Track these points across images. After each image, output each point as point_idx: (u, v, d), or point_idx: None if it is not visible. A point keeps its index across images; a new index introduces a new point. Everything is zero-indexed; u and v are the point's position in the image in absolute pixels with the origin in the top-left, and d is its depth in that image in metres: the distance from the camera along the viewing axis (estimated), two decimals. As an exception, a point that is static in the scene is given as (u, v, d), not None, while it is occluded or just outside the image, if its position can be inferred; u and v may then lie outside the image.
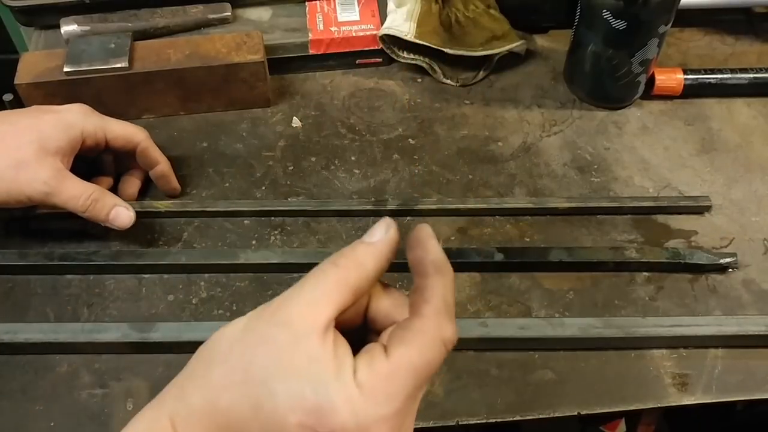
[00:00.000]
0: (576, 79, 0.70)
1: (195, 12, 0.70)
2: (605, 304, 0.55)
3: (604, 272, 0.57)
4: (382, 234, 0.36)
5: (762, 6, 0.77)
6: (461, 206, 0.60)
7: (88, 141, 0.55)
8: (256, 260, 0.56)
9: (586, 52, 0.66)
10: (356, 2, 0.72)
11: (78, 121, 0.54)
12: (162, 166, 0.59)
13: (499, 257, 0.56)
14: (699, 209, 0.60)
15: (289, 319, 0.31)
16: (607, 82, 0.67)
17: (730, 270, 0.57)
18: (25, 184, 0.51)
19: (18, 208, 0.54)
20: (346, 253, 0.34)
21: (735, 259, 0.56)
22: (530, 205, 0.60)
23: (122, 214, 0.54)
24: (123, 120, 0.58)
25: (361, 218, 0.60)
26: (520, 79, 0.72)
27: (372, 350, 0.32)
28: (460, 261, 0.56)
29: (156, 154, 0.59)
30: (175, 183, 0.61)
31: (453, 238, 0.59)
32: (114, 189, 0.59)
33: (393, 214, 0.60)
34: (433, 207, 0.60)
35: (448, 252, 0.56)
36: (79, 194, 0.53)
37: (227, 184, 0.63)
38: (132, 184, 0.60)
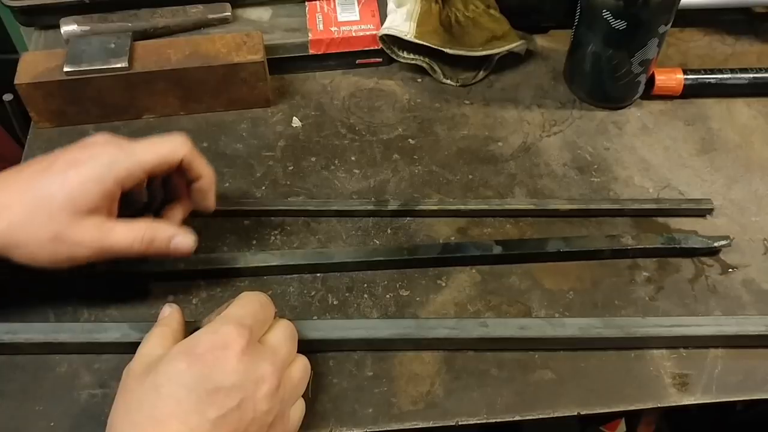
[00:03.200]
0: (576, 79, 0.70)
1: (195, 12, 0.70)
2: (605, 304, 0.55)
3: (601, 260, 0.57)
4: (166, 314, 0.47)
5: (762, 6, 0.78)
6: (461, 206, 0.60)
7: (126, 184, 0.48)
8: (256, 264, 0.56)
9: (586, 52, 0.66)
10: (356, 2, 0.72)
11: (107, 171, 0.47)
12: (204, 180, 0.53)
13: (497, 250, 0.56)
14: (701, 212, 0.61)
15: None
16: (607, 82, 0.67)
17: (731, 270, 0.57)
18: (71, 253, 0.47)
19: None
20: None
21: (729, 241, 0.57)
22: (531, 207, 0.60)
23: (182, 244, 0.50)
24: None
25: (361, 218, 0.60)
26: (520, 79, 0.72)
27: None
28: (459, 255, 0.56)
29: (200, 167, 0.52)
30: (211, 200, 0.54)
31: (453, 238, 0.59)
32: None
33: (393, 214, 0.60)
34: (433, 207, 0.60)
35: (447, 247, 0.57)
36: (131, 241, 0.48)
37: (227, 184, 0.63)
38: (177, 212, 0.55)
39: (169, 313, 0.47)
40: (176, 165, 0.51)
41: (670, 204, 0.60)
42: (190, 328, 0.49)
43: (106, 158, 0.47)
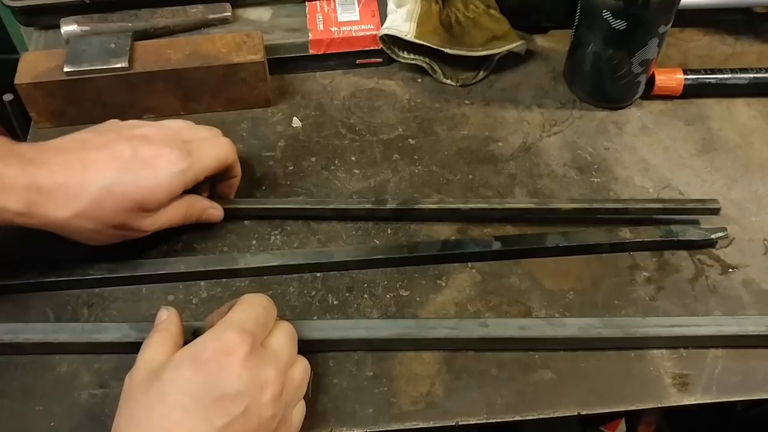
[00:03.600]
0: (576, 79, 0.70)
1: (195, 12, 0.70)
2: (605, 304, 0.55)
3: (600, 255, 0.58)
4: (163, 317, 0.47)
5: (762, 6, 0.77)
6: (461, 206, 0.60)
7: (187, 188, 0.53)
8: (256, 264, 0.56)
9: (586, 52, 0.66)
10: (356, 2, 0.72)
11: (179, 179, 0.51)
12: (236, 179, 0.59)
13: (496, 246, 0.57)
14: (708, 212, 0.59)
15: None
16: (607, 82, 0.67)
17: (731, 270, 0.57)
18: (128, 235, 0.53)
19: None
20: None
21: (725, 233, 0.57)
22: (532, 206, 0.60)
23: (213, 215, 0.58)
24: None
25: (361, 219, 0.60)
26: (520, 79, 0.72)
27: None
28: (458, 252, 0.56)
29: (238, 167, 0.58)
30: (233, 193, 0.60)
31: (453, 238, 0.59)
32: None
33: (393, 214, 0.60)
34: (434, 207, 0.59)
35: (447, 244, 0.57)
36: (177, 219, 0.54)
37: (227, 184, 0.63)
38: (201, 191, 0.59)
39: (167, 317, 0.47)
40: (226, 168, 0.56)
41: (674, 204, 0.60)
42: (189, 329, 0.49)
43: (179, 166, 0.51)
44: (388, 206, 0.59)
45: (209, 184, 0.58)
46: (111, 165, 0.49)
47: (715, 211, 0.59)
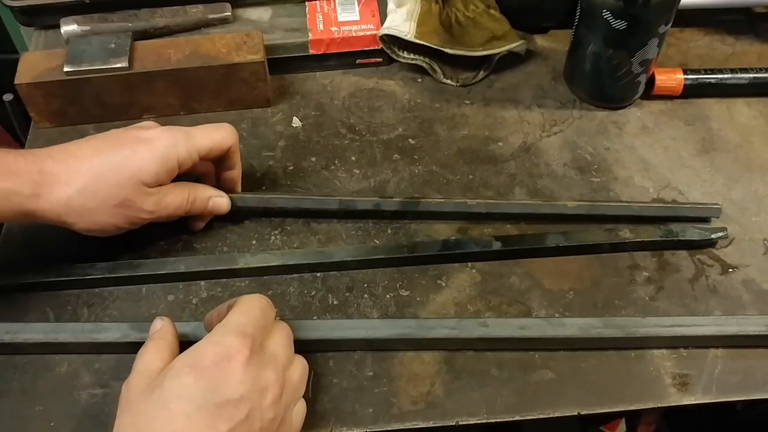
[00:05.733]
0: (576, 79, 0.70)
1: (195, 12, 0.70)
2: (605, 304, 0.55)
3: (600, 255, 0.58)
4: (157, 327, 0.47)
5: (762, 6, 0.78)
6: (462, 207, 0.60)
7: (185, 165, 0.53)
8: (256, 264, 0.56)
9: (586, 52, 0.66)
10: (356, 2, 0.72)
11: (171, 150, 0.52)
12: (236, 171, 0.58)
13: (497, 245, 0.57)
14: (709, 214, 0.60)
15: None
16: (607, 82, 0.67)
17: (731, 270, 0.57)
18: (132, 218, 0.52)
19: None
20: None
21: (725, 233, 0.58)
22: (533, 203, 0.60)
23: (219, 203, 0.57)
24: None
25: (361, 218, 0.60)
26: (520, 79, 0.72)
27: None
28: (459, 252, 0.57)
29: (238, 157, 0.58)
30: (239, 188, 0.59)
31: (453, 238, 0.59)
32: None
33: (393, 214, 0.60)
34: (433, 207, 0.59)
35: (447, 244, 0.57)
36: (180, 201, 0.54)
37: (227, 184, 0.63)
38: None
39: (162, 326, 0.46)
40: (225, 151, 0.56)
41: (674, 205, 0.60)
42: (189, 327, 0.49)
43: (170, 140, 0.52)
44: (389, 207, 0.59)
45: (213, 176, 0.58)
46: (109, 144, 0.52)
47: (717, 213, 0.59)
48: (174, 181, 0.54)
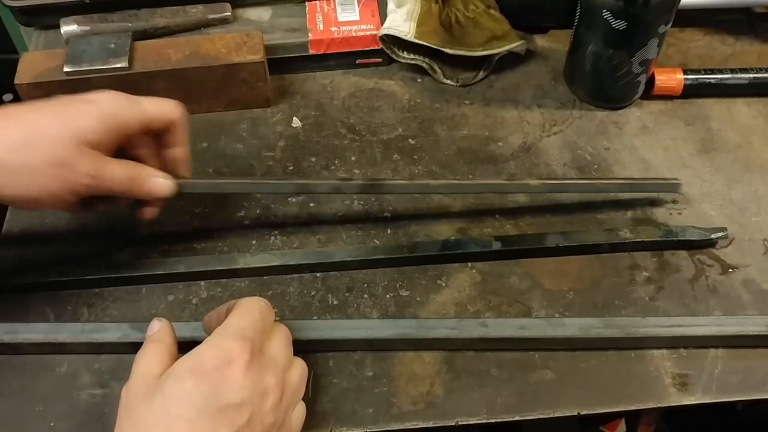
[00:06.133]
0: (576, 79, 0.70)
1: (195, 12, 0.70)
2: (605, 304, 0.55)
3: (600, 255, 0.58)
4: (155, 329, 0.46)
5: (762, 6, 0.78)
6: (431, 182, 0.59)
7: (130, 130, 0.50)
8: (256, 264, 0.56)
9: (586, 52, 0.66)
10: (356, 2, 0.72)
11: (115, 110, 0.49)
12: (181, 149, 0.54)
13: (497, 246, 0.57)
14: (669, 189, 0.61)
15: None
16: (607, 82, 0.67)
17: (731, 270, 0.57)
18: (71, 182, 0.48)
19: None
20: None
21: (725, 233, 0.58)
22: (498, 182, 0.60)
23: (159, 184, 0.52)
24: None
25: (360, 219, 0.60)
26: (520, 79, 0.72)
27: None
28: (459, 252, 0.57)
29: (183, 136, 0.54)
30: (186, 170, 0.55)
31: (453, 238, 0.59)
32: None
33: (393, 214, 0.60)
34: (396, 189, 0.59)
35: (447, 244, 0.57)
36: (123, 175, 0.50)
37: (227, 184, 0.63)
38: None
39: (160, 328, 0.45)
40: (170, 124, 0.53)
41: (634, 181, 0.62)
42: (188, 328, 0.49)
43: (116, 101, 0.50)
44: (355, 181, 0.59)
45: (157, 158, 0.54)
46: (52, 103, 0.49)
47: (677, 187, 0.60)
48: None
